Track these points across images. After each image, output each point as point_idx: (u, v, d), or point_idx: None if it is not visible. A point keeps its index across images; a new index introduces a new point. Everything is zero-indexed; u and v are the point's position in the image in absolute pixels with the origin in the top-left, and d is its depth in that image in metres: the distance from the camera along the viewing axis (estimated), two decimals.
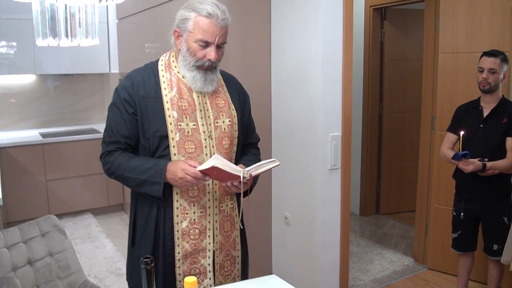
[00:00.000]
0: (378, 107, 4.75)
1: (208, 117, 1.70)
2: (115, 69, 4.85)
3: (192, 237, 1.68)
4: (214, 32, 1.60)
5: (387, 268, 3.63)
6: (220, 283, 1.76)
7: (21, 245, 1.95)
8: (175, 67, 1.71)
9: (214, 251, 1.72)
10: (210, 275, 1.72)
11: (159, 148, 1.65)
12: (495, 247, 2.72)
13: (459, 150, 2.62)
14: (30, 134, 4.62)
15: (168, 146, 1.64)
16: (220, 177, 1.60)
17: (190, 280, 1.32)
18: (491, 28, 3.13)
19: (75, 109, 5.10)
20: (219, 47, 1.64)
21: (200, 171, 1.53)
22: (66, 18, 2.01)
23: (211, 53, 1.62)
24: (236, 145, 1.78)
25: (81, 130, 4.87)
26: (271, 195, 3.24)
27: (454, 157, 2.64)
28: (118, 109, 1.67)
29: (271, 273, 2.03)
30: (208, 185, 1.68)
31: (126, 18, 4.30)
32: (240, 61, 2.96)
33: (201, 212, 1.69)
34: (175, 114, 1.64)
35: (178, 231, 1.67)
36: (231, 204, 1.78)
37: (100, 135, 1.78)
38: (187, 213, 1.67)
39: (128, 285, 1.84)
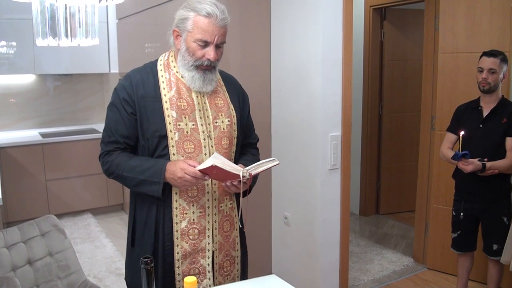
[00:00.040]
0: (378, 107, 4.75)
1: (207, 117, 1.70)
2: (115, 69, 4.85)
3: (191, 237, 1.68)
4: (213, 32, 1.60)
5: (387, 268, 3.63)
6: (220, 283, 1.76)
7: (21, 245, 1.95)
8: (174, 67, 1.71)
9: (213, 251, 1.72)
10: (210, 275, 1.72)
11: (158, 148, 1.65)
12: (495, 247, 2.72)
13: (458, 150, 2.62)
14: (30, 134, 4.62)
15: (167, 146, 1.64)
16: (219, 177, 1.60)
17: (190, 280, 1.32)
18: (491, 28, 3.14)
19: (75, 109, 5.10)
20: (218, 47, 1.64)
21: (200, 170, 1.53)
22: (66, 18, 2.00)
23: (210, 52, 1.62)
24: (235, 145, 1.78)
25: (81, 130, 4.87)
26: (271, 195, 3.24)
27: (453, 157, 2.64)
28: (117, 109, 1.67)
29: (270, 273, 2.03)
30: (207, 185, 1.68)
31: (126, 18, 4.30)
32: (240, 61, 2.96)
33: (200, 212, 1.69)
34: (174, 114, 1.64)
35: (177, 231, 1.67)
36: (231, 204, 1.78)
37: (100, 135, 1.78)
38: (186, 213, 1.67)
39: (127, 285, 1.84)
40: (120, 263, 3.62)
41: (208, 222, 1.70)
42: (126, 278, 1.84)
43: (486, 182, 2.68)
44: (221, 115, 1.73)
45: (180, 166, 1.55)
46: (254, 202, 2.85)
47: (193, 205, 1.68)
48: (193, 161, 1.58)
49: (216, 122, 1.71)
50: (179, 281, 1.69)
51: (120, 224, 4.60)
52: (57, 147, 4.47)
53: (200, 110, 1.69)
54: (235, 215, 1.80)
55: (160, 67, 1.71)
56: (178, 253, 1.68)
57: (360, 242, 4.17)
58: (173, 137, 1.63)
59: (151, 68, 1.72)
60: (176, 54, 1.70)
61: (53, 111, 4.97)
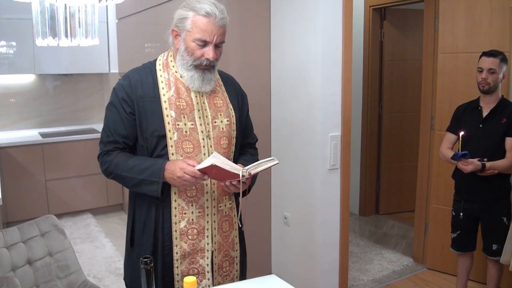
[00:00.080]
0: (378, 107, 4.75)
1: (206, 116, 1.70)
2: (114, 69, 4.85)
3: (190, 237, 1.68)
4: (212, 32, 1.60)
5: (387, 268, 3.63)
6: (218, 284, 1.76)
7: (21, 245, 1.95)
8: (173, 66, 1.70)
9: (212, 251, 1.72)
10: (209, 275, 1.72)
11: (157, 147, 1.65)
12: (495, 247, 2.72)
13: (458, 150, 2.62)
14: (30, 134, 4.62)
15: (166, 146, 1.64)
16: (219, 176, 1.60)
17: (190, 280, 1.32)
18: (491, 28, 3.14)
19: (74, 109, 5.10)
20: (217, 46, 1.64)
21: (199, 170, 1.53)
22: (65, 18, 2.00)
23: (209, 52, 1.62)
24: (234, 145, 1.78)
25: (81, 130, 4.87)
26: (270, 195, 3.24)
27: (453, 157, 2.64)
28: (116, 109, 1.67)
29: (270, 273, 2.03)
30: (207, 185, 1.68)
31: (125, 18, 4.30)
32: (240, 61, 2.96)
33: (199, 212, 1.69)
34: (173, 114, 1.64)
35: (176, 231, 1.67)
36: (230, 204, 1.78)
37: (100, 135, 1.78)
38: (185, 213, 1.67)
39: (126, 285, 1.84)
40: (119, 263, 3.62)
41: (207, 222, 1.70)
42: (125, 279, 1.84)
43: (486, 182, 2.68)
44: (220, 115, 1.73)
45: (179, 165, 1.55)
46: (254, 202, 2.86)
47: (192, 205, 1.68)
48: (193, 161, 1.58)
49: (215, 122, 1.71)
50: (178, 281, 1.69)
51: (119, 224, 4.60)
52: (57, 147, 4.47)
53: (199, 110, 1.69)
54: (234, 215, 1.80)
55: (159, 67, 1.71)
56: (177, 253, 1.68)
57: (360, 242, 4.17)
58: (172, 137, 1.63)
59: (149, 68, 1.72)
60: (175, 54, 1.70)
61: (53, 111, 4.97)
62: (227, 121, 1.74)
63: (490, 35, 3.13)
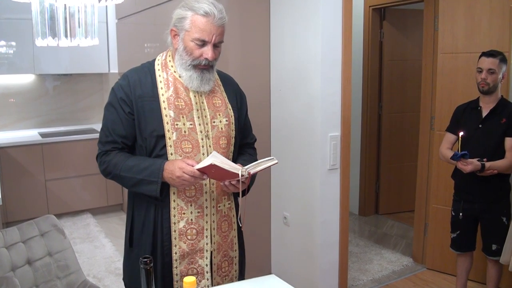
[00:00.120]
0: (377, 107, 4.76)
1: (205, 116, 1.70)
2: (114, 69, 4.85)
3: (189, 237, 1.68)
4: (211, 31, 1.60)
5: (386, 268, 3.63)
6: (217, 284, 1.76)
7: (20, 245, 1.95)
8: (172, 66, 1.70)
9: (211, 252, 1.72)
10: (208, 275, 1.72)
11: (156, 147, 1.65)
12: (494, 247, 2.72)
13: (458, 150, 2.62)
14: (29, 134, 4.62)
15: (165, 146, 1.64)
16: (218, 176, 1.60)
17: (189, 280, 1.32)
18: (491, 28, 3.14)
19: (74, 109, 5.10)
20: (216, 46, 1.64)
21: (198, 169, 1.53)
22: (65, 18, 2.00)
23: (208, 52, 1.62)
24: (233, 145, 1.78)
25: (81, 130, 4.87)
26: (270, 195, 3.24)
27: (453, 157, 2.64)
28: (115, 109, 1.67)
29: (270, 273, 2.03)
30: (205, 185, 1.68)
31: (125, 18, 4.30)
32: (239, 61, 2.96)
33: (198, 212, 1.69)
34: (172, 114, 1.64)
35: (175, 231, 1.67)
36: (229, 204, 1.78)
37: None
38: (184, 213, 1.67)
39: (125, 285, 1.84)
40: (119, 263, 3.62)
41: (206, 222, 1.70)
42: (124, 279, 1.84)
43: (486, 182, 2.68)
44: (219, 114, 1.73)
45: (178, 165, 1.55)
46: (254, 202, 2.86)
47: (191, 205, 1.67)
48: (192, 161, 1.58)
49: (214, 122, 1.71)
50: (177, 281, 1.69)
51: (119, 224, 4.60)
52: (57, 147, 4.47)
53: (197, 110, 1.69)
54: (233, 215, 1.80)
55: (157, 66, 1.71)
56: (176, 253, 1.68)
57: (360, 242, 4.17)
58: (170, 137, 1.63)
59: (148, 68, 1.72)
60: (174, 54, 1.70)
61: (53, 111, 4.97)
62: (226, 121, 1.74)
63: (490, 35, 3.14)
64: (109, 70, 4.93)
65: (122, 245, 1.85)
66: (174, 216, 1.66)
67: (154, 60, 1.75)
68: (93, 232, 4.32)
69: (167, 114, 1.63)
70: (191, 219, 1.68)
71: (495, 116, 2.69)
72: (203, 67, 1.65)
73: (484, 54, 2.68)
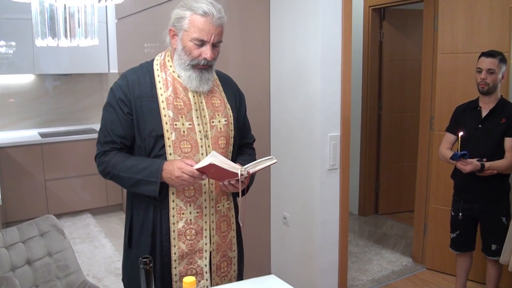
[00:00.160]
0: (377, 107, 4.76)
1: (204, 116, 1.70)
2: (114, 69, 4.85)
3: (188, 237, 1.68)
4: (209, 31, 1.59)
5: (386, 268, 3.63)
6: (216, 284, 1.75)
7: (20, 245, 1.95)
8: (171, 66, 1.70)
9: (210, 252, 1.72)
10: (207, 276, 1.72)
11: (155, 148, 1.65)
12: (494, 247, 2.73)
13: (457, 150, 2.62)
14: (29, 134, 4.62)
15: (163, 146, 1.63)
16: (217, 176, 1.59)
17: (189, 280, 1.32)
18: (490, 29, 3.14)
19: (74, 109, 5.10)
20: (214, 46, 1.64)
21: (197, 169, 1.53)
22: (65, 18, 2.00)
23: (206, 52, 1.61)
24: (232, 145, 1.78)
25: (80, 130, 4.87)
26: (270, 195, 3.24)
27: (452, 157, 2.65)
28: (113, 109, 1.67)
29: (269, 273, 2.03)
30: (205, 185, 1.68)
31: (125, 18, 4.30)
32: (239, 61, 2.96)
33: (197, 212, 1.68)
34: (171, 114, 1.63)
35: (174, 231, 1.67)
36: (228, 204, 1.78)
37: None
38: (183, 213, 1.67)
39: (124, 285, 1.83)
40: (119, 263, 3.62)
41: (205, 222, 1.70)
42: (123, 279, 1.84)
43: (485, 182, 2.68)
44: (218, 114, 1.73)
45: (177, 165, 1.55)
46: (253, 202, 2.86)
47: (190, 205, 1.67)
48: (191, 160, 1.57)
49: (213, 122, 1.71)
50: (176, 282, 1.69)
51: (119, 224, 4.60)
52: (56, 147, 4.47)
53: (196, 110, 1.69)
54: (232, 216, 1.80)
55: (156, 66, 1.71)
56: (175, 253, 1.68)
57: (359, 242, 4.17)
58: (169, 137, 1.63)
59: (147, 68, 1.72)
60: (173, 54, 1.70)
61: (52, 111, 4.97)
62: (225, 121, 1.74)
63: (490, 35, 3.14)
64: (109, 70, 4.93)
65: (121, 245, 1.85)
66: (173, 216, 1.66)
67: (153, 60, 1.74)
68: (93, 232, 4.32)
69: (166, 114, 1.63)
70: (190, 219, 1.68)
71: (494, 116, 2.69)
72: (202, 67, 1.65)
73: (484, 54, 2.68)
